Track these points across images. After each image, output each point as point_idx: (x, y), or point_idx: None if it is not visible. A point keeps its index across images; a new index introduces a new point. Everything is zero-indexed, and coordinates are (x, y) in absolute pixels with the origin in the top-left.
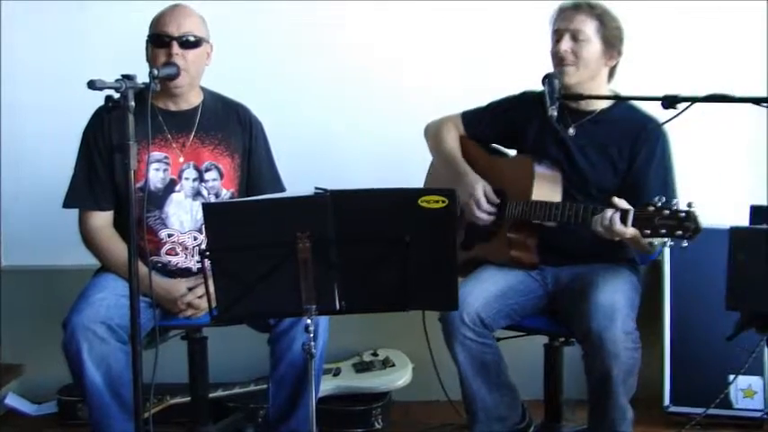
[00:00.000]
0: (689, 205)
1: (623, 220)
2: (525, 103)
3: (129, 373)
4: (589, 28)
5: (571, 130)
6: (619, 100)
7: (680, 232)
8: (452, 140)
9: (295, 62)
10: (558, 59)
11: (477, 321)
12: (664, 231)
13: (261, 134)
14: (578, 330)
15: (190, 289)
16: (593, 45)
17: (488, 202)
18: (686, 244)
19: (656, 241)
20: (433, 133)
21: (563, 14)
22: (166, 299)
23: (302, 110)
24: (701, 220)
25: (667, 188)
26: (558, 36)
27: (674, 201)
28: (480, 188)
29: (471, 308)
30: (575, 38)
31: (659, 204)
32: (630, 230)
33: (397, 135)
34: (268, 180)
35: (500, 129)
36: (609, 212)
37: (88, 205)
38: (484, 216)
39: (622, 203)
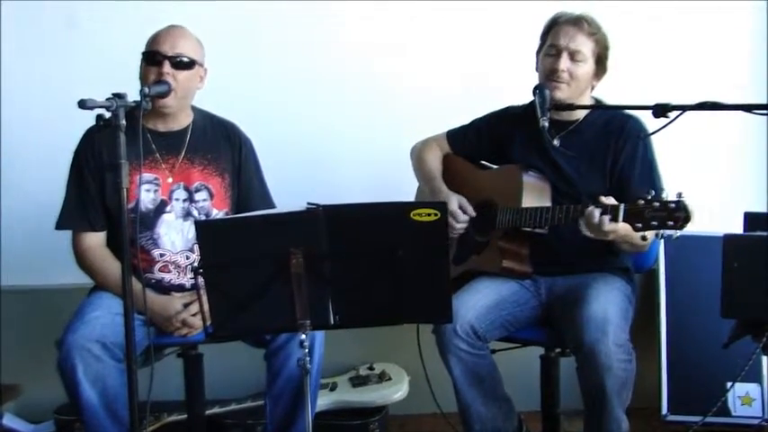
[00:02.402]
0: (678, 195)
1: (614, 217)
2: (509, 118)
3: (125, 391)
4: (587, 48)
5: (556, 142)
6: (608, 109)
7: (671, 222)
8: (433, 160)
9: (288, 75)
10: (552, 76)
11: (471, 333)
12: (655, 223)
13: (250, 152)
14: (571, 343)
15: (185, 305)
16: (588, 65)
17: (465, 212)
18: (678, 234)
19: (649, 234)
20: (416, 155)
21: (564, 30)
22: (162, 316)
23: (294, 124)
24: (691, 209)
25: (654, 180)
26: (555, 51)
27: (664, 193)
28: (455, 201)
29: (464, 319)
30: (572, 57)
31: (649, 197)
32: (620, 226)
33: (390, 146)
34: (258, 197)
35: (485, 145)
36: (596, 213)
37: (81, 226)
38: (459, 227)
39: (610, 200)
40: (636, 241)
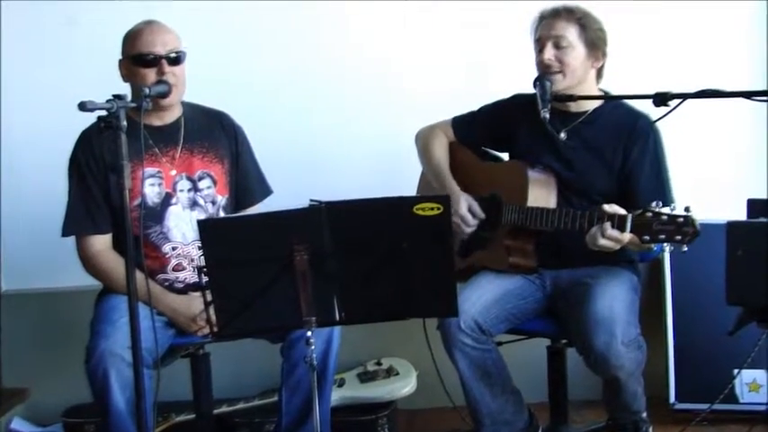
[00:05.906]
0: (686, 210)
1: (621, 227)
2: (517, 105)
3: (151, 396)
4: (571, 33)
5: (562, 135)
6: (609, 99)
7: (678, 237)
8: (441, 150)
9: (286, 69)
10: (543, 68)
11: (475, 328)
12: (662, 237)
13: (244, 139)
14: (578, 344)
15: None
16: (576, 50)
17: (475, 216)
18: (686, 248)
19: (655, 246)
20: (423, 142)
21: (543, 22)
22: (186, 316)
23: (293, 118)
24: (698, 225)
25: (661, 184)
26: (540, 45)
27: (672, 205)
28: (464, 205)
29: (468, 315)
30: (557, 45)
31: (656, 210)
32: (627, 236)
33: (389, 141)
34: (257, 181)
35: (491, 132)
36: (607, 227)
37: (88, 230)
38: (469, 230)
39: (616, 209)
40: (642, 247)
